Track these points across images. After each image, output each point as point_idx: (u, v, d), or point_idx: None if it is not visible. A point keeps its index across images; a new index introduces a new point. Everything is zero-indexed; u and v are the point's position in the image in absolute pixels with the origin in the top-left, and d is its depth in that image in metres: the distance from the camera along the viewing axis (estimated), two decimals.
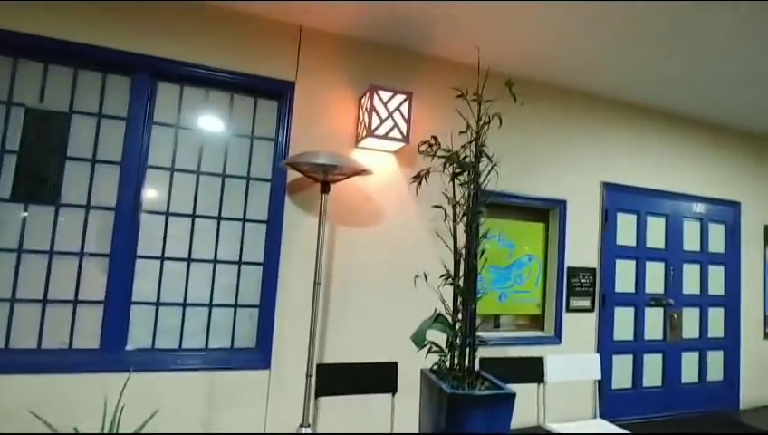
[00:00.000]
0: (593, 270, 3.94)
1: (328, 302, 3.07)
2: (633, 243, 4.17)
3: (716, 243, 4.59)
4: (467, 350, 2.35)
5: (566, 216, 3.84)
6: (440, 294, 2.48)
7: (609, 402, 3.95)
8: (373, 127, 2.91)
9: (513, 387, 2.84)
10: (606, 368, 3.96)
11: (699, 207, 4.51)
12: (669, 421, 4.10)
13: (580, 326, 3.87)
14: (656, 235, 4.28)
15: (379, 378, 2.38)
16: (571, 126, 3.94)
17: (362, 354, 3.04)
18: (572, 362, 2.97)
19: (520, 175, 3.69)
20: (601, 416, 3.86)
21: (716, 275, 4.57)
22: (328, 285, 3.08)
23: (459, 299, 2.39)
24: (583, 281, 3.88)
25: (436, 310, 2.41)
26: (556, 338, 3.75)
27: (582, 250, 3.92)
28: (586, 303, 3.89)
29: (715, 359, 4.52)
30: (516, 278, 3.78)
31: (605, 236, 4.00)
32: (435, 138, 2.49)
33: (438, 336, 2.39)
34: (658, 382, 4.22)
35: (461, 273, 2.41)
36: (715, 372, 4.51)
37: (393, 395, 2.39)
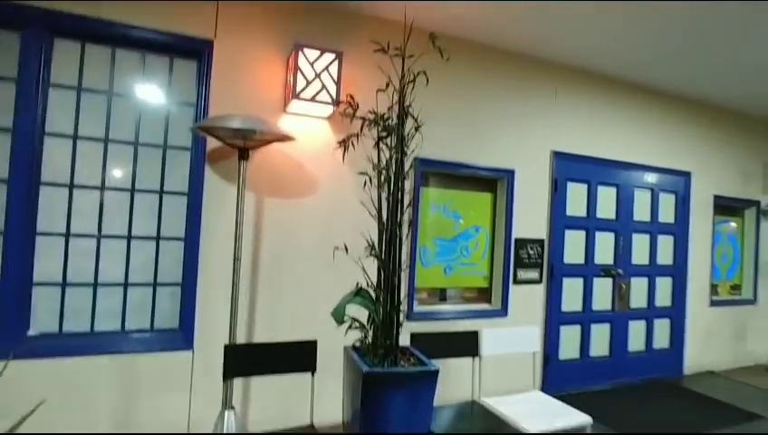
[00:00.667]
0: (542, 241, 3.86)
1: (257, 278, 2.89)
2: (583, 213, 4.10)
3: (667, 213, 4.58)
4: (391, 326, 2.21)
5: (514, 186, 3.72)
6: (363, 268, 2.32)
7: (557, 373, 3.94)
8: (298, 89, 2.68)
9: (450, 362, 2.76)
10: (553, 339, 3.94)
11: (651, 178, 4.46)
12: (616, 390, 4.13)
13: (528, 298, 3.81)
14: (606, 205, 4.22)
15: (298, 357, 2.23)
16: (521, 93, 3.78)
17: (297, 332, 2.89)
18: (510, 335, 2.89)
19: (466, 144, 3.54)
20: (548, 387, 3.86)
21: (666, 245, 4.57)
22: (257, 261, 2.89)
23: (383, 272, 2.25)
24: (531, 252, 3.80)
25: (357, 284, 2.26)
26: (502, 311, 3.68)
27: (531, 221, 3.83)
28: (534, 274, 3.82)
29: (662, 327, 4.56)
30: (463, 250, 3.67)
31: (555, 207, 3.92)
32: (351, 97, 2.30)
33: (364, 312, 2.26)
34: (606, 352, 4.23)
35: (385, 244, 2.26)
36: (662, 340, 4.56)
37: (313, 374, 2.25)
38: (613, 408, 3.72)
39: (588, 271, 4.11)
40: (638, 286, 4.41)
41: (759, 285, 5.25)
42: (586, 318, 4.11)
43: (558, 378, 3.94)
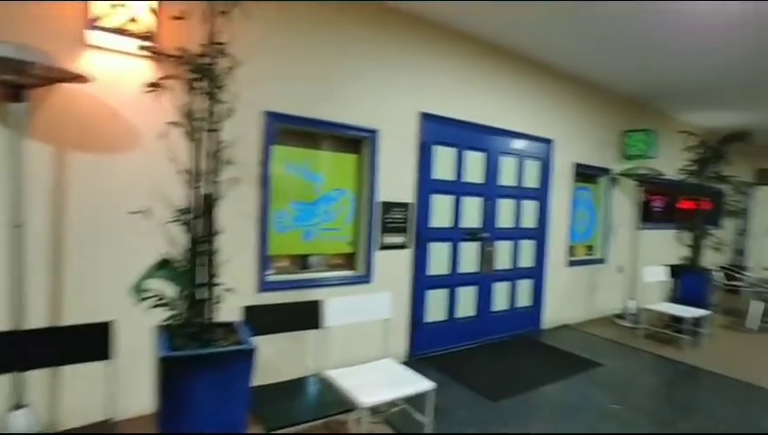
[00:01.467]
0: (408, 205, 3.76)
1: (63, 250, 2.39)
2: (451, 177, 4.08)
3: (531, 179, 4.76)
4: (203, 301, 1.92)
5: (378, 147, 3.54)
6: (170, 236, 1.97)
7: (424, 336, 3.96)
8: (96, 16, 2.16)
9: (304, 335, 2.55)
10: (420, 303, 3.93)
11: (518, 144, 4.57)
12: (480, 348, 4.29)
13: (394, 264, 3.73)
14: (474, 170, 4.24)
15: (88, 342, 1.85)
16: (386, 52, 3.56)
17: (119, 311, 2.46)
18: (359, 304, 2.75)
19: (325, 101, 3.25)
20: (416, 350, 3.86)
21: (530, 209, 4.78)
22: (61, 229, 2.38)
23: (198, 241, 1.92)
24: (397, 217, 3.70)
25: (163, 254, 1.91)
26: (366, 277, 3.55)
27: (397, 184, 3.70)
28: (400, 239, 3.73)
29: (525, 287, 4.82)
30: (324, 215, 3.44)
31: (422, 170, 3.82)
32: (150, 32, 1.88)
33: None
34: (472, 312, 4.36)
35: (197, 207, 1.93)
36: (524, 298, 4.83)
37: (108, 361, 1.89)
38: (473, 364, 3.84)
39: (455, 235, 4.14)
40: (504, 249, 4.57)
41: (609, 246, 5.78)
42: (453, 281, 4.16)
43: (425, 341, 3.97)
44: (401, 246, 3.76)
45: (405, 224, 3.75)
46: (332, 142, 3.48)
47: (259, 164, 3.00)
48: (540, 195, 4.85)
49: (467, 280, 4.29)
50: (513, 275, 4.68)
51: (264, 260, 3.06)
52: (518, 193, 4.63)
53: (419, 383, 2.41)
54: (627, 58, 4.48)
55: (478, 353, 4.14)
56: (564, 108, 4.99)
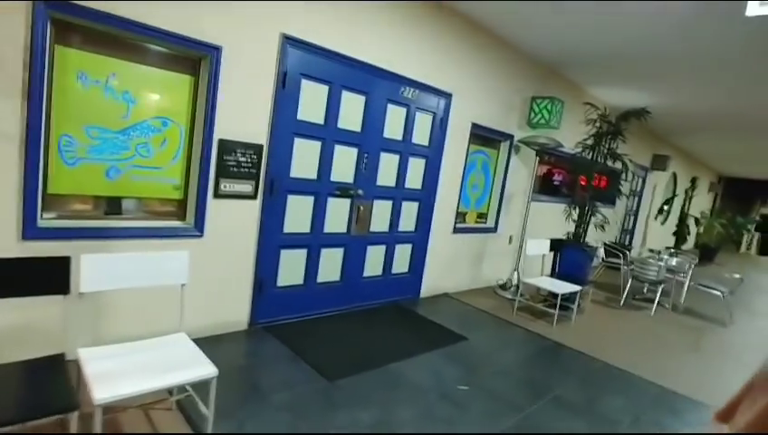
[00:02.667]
0: (259, 147, 3.12)
1: None
2: (321, 120, 3.47)
3: (422, 134, 4.29)
4: None
5: (221, 69, 2.82)
6: None
7: (273, 301, 3.45)
8: None
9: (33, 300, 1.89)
10: (270, 264, 3.38)
11: (409, 93, 4.04)
12: (344, 315, 3.88)
13: (235, 216, 3.12)
14: (351, 115, 3.67)
15: None
16: None
17: None
18: (140, 263, 2.12)
19: None
20: (260, 317, 3.34)
21: (416, 168, 4.33)
22: None
23: None
24: (243, 160, 3.05)
25: None
26: (197, 230, 2.92)
27: (245, 120, 3.03)
28: (246, 187, 3.11)
29: (404, 253, 4.45)
30: (140, 148, 2.71)
31: (280, 107, 3.18)
32: None
33: None
34: (337, 277, 3.91)
35: None
36: (402, 265, 4.46)
37: None
38: (326, 335, 3.42)
39: (322, 189, 3.59)
40: (382, 210, 4.12)
41: (502, 215, 5.57)
42: (316, 241, 3.65)
43: (274, 307, 3.46)
44: (247, 196, 3.14)
45: (253, 170, 3.12)
46: (160, 57, 2.70)
47: (25, 67, 2.19)
48: (430, 153, 4.41)
49: (335, 241, 3.80)
50: (390, 238, 4.27)
51: (35, 198, 2.31)
52: (404, 148, 4.15)
53: (198, 369, 1.88)
54: (543, 21, 4.08)
55: (338, 323, 3.73)
56: (469, 62, 4.51)
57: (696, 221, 11.69)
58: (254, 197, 3.17)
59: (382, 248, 4.23)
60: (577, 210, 5.23)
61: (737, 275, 5.73)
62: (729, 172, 16.34)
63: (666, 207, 10.48)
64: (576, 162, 5.23)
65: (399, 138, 4.09)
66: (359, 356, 3.17)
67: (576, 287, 4.50)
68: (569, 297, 4.59)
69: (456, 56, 4.35)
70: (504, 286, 5.42)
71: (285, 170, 3.32)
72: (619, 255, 7.14)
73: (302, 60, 3.23)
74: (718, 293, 5.69)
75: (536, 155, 5.33)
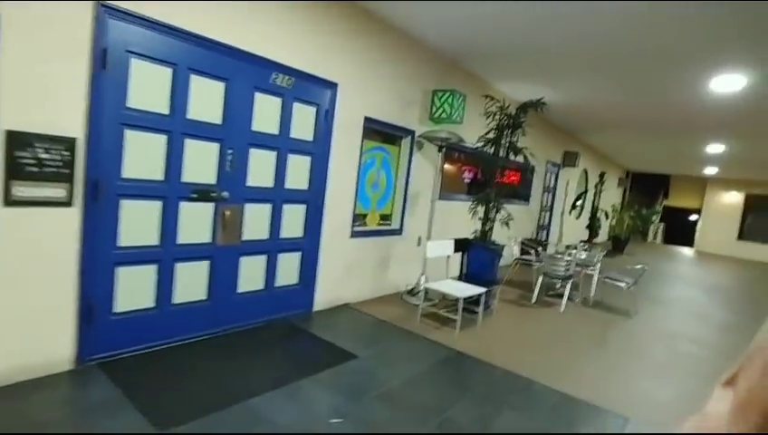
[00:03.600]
0: (71, 141, 2.49)
1: None
2: (164, 109, 2.89)
3: (304, 128, 3.81)
4: None
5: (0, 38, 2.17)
6: None
7: (111, 330, 2.81)
8: None
9: None
10: (104, 285, 2.74)
11: (283, 80, 3.55)
12: (211, 340, 3.30)
13: (43, 228, 2.45)
14: (207, 104, 3.11)
15: None
16: None
17: None
18: None
19: None
20: (91, 351, 2.68)
21: (299, 166, 3.85)
22: None
23: None
24: (47, 157, 2.41)
25: None
26: None
27: (46, 107, 2.39)
28: (55, 192, 2.46)
29: (289, 262, 3.94)
30: None
31: (102, 91, 2.56)
32: None
33: None
34: (202, 295, 3.32)
35: None
36: (288, 276, 3.95)
37: None
38: (176, 369, 2.82)
39: (171, 191, 3.00)
40: (258, 214, 3.59)
41: (407, 216, 5.23)
42: (167, 255, 3.05)
43: (113, 337, 2.82)
44: (59, 203, 2.49)
45: (65, 170, 2.48)
46: None
47: None
48: (316, 150, 3.94)
49: (195, 253, 3.21)
50: (272, 246, 3.74)
51: None
52: (282, 144, 3.65)
53: None
54: (439, 10, 3.78)
55: (200, 351, 3.14)
56: (358, 50, 4.11)
57: (606, 215, 12.23)
58: (68, 203, 2.52)
59: (261, 259, 3.70)
60: (482, 207, 4.99)
61: (639, 266, 5.79)
62: (635, 168, 17.45)
63: (578, 203, 10.81)
64: (479, 157, 4.99)
65: (275, 132, 3.59)
66: (211, 393, 2.61)
67: (479, 289, 4.23)
68: (476, 300, 4.32)
69: (342, 43, 3.93)
70: (412, 292, 5.06)
71: (114, 170, 2.70)
72: (532, 251, 7.08)
73: (132, 35, 2.64)
74: (623, 284, 5.71)
75: (438, 151, 5.05)
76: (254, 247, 3.60)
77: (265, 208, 3.64)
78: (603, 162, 13.87)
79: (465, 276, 4.87)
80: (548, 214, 10.04)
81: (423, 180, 5.36)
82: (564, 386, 3.26)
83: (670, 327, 5.46)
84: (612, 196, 16.03)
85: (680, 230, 18.41)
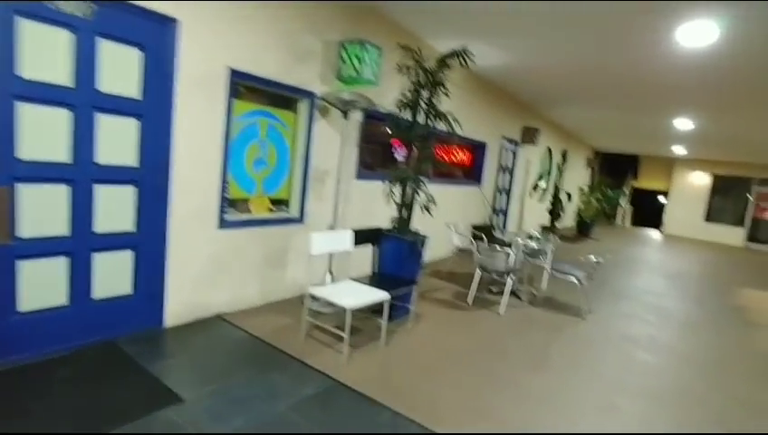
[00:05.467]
0: None
1: None
2: None
3: (121, 79, 2.72)
4: None
5: None
6: None
7: None
8: None
9: None
10: None
11: (74, 5, 2.44)
12: None
13: None
14: None
15: None
16: None
17: None
18: None
19: None
20: None
21: (119, 131, 2.76)
22: None
23: None
24: None
25: None
26: None
27: None
28: None
29: (116, 264, 2.88)
30: None
31: None
32: None
33: None
34: None
35: None
36: (116, 283, 2.90)
37: None
38: None
39: None
40: (46, 199, 2.51)
41: (310, 201, 4.20)
42: None
43: None
44: None
45: None
46: None
47: None
48: (146, 110, 2.86)
49: None
50: (76, 244, 2.68)
51: None
52: (80, 99, 2.56)
53: None
54: None
55: None
56: None
57: (570, 197, 11.47)
58: None
59: (59, 263, 2.62)
60: (399, 188, 3.99)
61: (593, 259, 4.94)
62: (603, 147, 16.77)
63: (540, 184, 9.97)
64: (393, 123, 3.98)
65: (65, 81, 2.48)
66: None
67: (381, 295, 3.25)
68: (390, 306, 3.35)
69: None
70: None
71: None
72: (481, 238, 6.18)
73: None
74: (574, 280, 4.85)
75: (344, 117, 4.00)
76: (42, 247, 2.52)
77: (59, 191, 2.55)
78: (569, 141, 13.08)
79: (376, 275, 3.90)
80: (505, 196, 9.16)
81: (335, 156, 4.32)
82: None
83: (627, 329, 4.63)
84: (580, 177, 15.32)
85: (649, 213, 17.95)
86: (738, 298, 6.94)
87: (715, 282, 8.18)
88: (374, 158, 5.24)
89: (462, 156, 7.36)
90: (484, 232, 5.95)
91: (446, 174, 7.17)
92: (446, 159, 6.96)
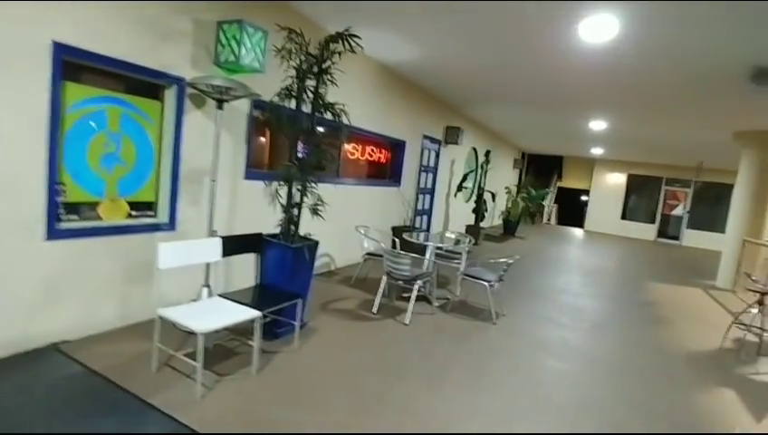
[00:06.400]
0: None
1: None
2: None
3: None
4: None
5: None
6: None
7: None
8: None
9: None
10: None
11: None
12: None
13: None
14: None
15: None
16: None
17: None
18: None
19: None
20: None
21: None
22: None
23: None
24: None
25: None
26: None
27: None
28: None
29: None
30: None
31: None
32: None
33: None
34: None
35: None
36: None
37: None
38: None
39: None
40: None
41: (182, 204, 3.63)
42: None
43: None
44: None
45: None
46: None
47: None
48: None
49: None
50: None
51: None
52: None
53: None
54: None
55: None
56: None
57: (494, 197, 11.55)
58: None
59: None
60: (285, 189, 3.53)
61: (503, 259, 4.77)
62: (529, 149, 17.26)
63: (465, 184, 9.89)
64: (274, 116, 3.51)
65: None
66: None
67: (247, 314, 2.76)
68: (271, 323, 2.87)
69: None
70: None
71: None
72: (394, 242, 5.85)
73: None
74: (485, 283, 4.62)
75: (218, 107, 3.47)
76: None
77: None
78: (496, 142, 13.23)
79: (258, 288, 3.42)
80: (428, 197, 8.95)
81: (213, 152, 3.77)
82: None
83: (539, 333, 4.47)
84: (508, 177, 15.62)
85: (573, 211, 18.71)
86: (647, 293, 7.14)
87: (628, 277, 8.44)
88: (277, 156, 4.75)
89: (379, 155, 7.02)
90: (401, 234, 5.64)
91: (365, 175, 6.81)
92: (361, 158, 6.58)
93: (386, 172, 7.31)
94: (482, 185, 10.38)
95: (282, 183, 3.54)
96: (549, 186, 17.93)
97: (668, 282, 8.35)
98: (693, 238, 15.36)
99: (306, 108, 3.51)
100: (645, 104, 6.75)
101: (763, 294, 4.64)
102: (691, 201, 15.59)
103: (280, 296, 3.20)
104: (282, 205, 3.55)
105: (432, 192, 9.03)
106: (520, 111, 8.95)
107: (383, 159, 7.14)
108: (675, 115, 7.31)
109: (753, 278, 4.99)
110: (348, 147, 6.19)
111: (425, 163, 8.39)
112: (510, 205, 13.18)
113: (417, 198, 8.29)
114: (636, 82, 5.48)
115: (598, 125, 9.08)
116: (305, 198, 3.57)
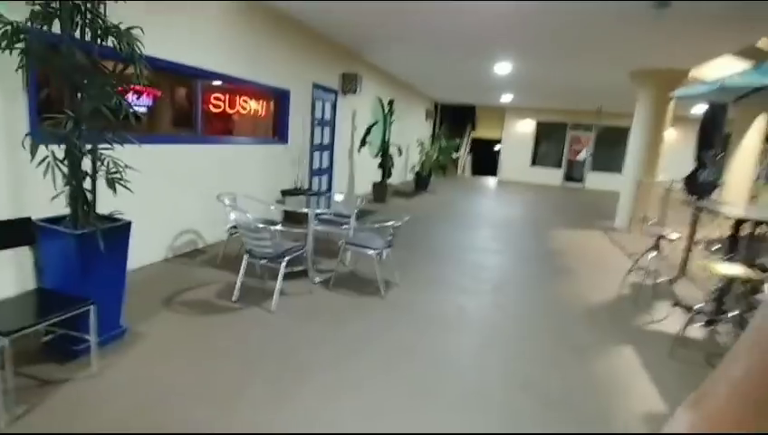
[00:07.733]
0: None
1: None
2: None
3: None
4: None
5: None
6: None
7: None
8: None
9: None
10: None
11: None
12: None
13: None
14: None
15: None
16: None
17: None
18: None
19: None
20: None
21: None
22: None
23: None
24: None
25: None
26: None
27: None
28: None
29: None
30: None
31: None
32: None
33: None
34: None
35: None
36: None
37: None
38: None
39: None
40: None
41: None
42: None
43: None
44: None
45: None
46: None
47: None
48: None
49: None
50: None
51: None
52: None
53: None
54: None
55: None
56: None
57: (400, 151, 10.94)
58: None
59: None
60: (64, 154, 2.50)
61: (390, 223, 4.12)
62: (441, 99, 16.76)
63: (368, 138, 9.09)
64: (26, 47, 2.40)
65: None
66: None
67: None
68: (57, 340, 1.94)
69: None
70: None
71: None
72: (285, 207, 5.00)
73: None
74: (371, 252, 3.96)
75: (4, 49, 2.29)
76: None
77: None
78: (405, 91, 12.48)
79: (30, 295, 2.45)
80: (327, 154, 8.08)
81: None
82: None
83: (432, 305, 3.94)
84: (420, 129, 15.07)
85: (487, 161, 18.77)
86: (551, 241, 6.98)
87: (533, 226, 8.32)
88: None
89: (257, 107, 5.97)
90: (289, 197, 4.78)
91: (240, 131, 5.77)
92: (231, 111, 5.51)
93: (268, 128, 6.30)
94: (387, 138, 9.65)
95: (61, 145, 2.50)
96: (463, 136, 17.71)
97: (571, 227, 8.35)
98: (595, 180, 16.01)
99: (87, 35, 2.45)
100: (547, 42, 6.28)
101: (659, 237, 4.47)
102: (594, 145, 16.13)
103: (61, 303, 2.28)
104: (63, 175, 2.53)
105: (331, 148, 8.16)
106: (423, 56, 8.21)
107: (263, 113, 6.10)
108: (575, 55, 6.96)
109: (651, 223, 4.81)
110: (210, 97, 5.09)
111: (319, 116, 7.44)
112: (424, 158, 12.68)
113: (312, 157, 7.39)
114: (538, 12, 4.90)
115: (503, 68, 8.61)
116: (101, 165, 2.58)
